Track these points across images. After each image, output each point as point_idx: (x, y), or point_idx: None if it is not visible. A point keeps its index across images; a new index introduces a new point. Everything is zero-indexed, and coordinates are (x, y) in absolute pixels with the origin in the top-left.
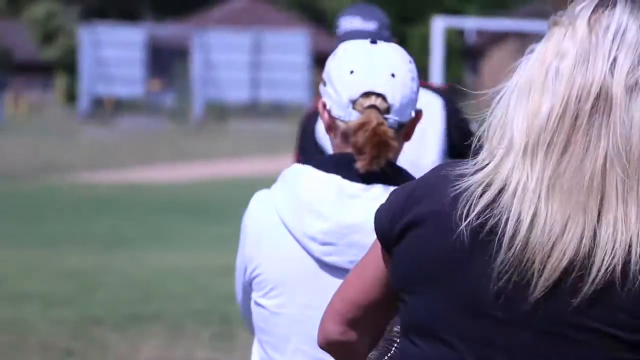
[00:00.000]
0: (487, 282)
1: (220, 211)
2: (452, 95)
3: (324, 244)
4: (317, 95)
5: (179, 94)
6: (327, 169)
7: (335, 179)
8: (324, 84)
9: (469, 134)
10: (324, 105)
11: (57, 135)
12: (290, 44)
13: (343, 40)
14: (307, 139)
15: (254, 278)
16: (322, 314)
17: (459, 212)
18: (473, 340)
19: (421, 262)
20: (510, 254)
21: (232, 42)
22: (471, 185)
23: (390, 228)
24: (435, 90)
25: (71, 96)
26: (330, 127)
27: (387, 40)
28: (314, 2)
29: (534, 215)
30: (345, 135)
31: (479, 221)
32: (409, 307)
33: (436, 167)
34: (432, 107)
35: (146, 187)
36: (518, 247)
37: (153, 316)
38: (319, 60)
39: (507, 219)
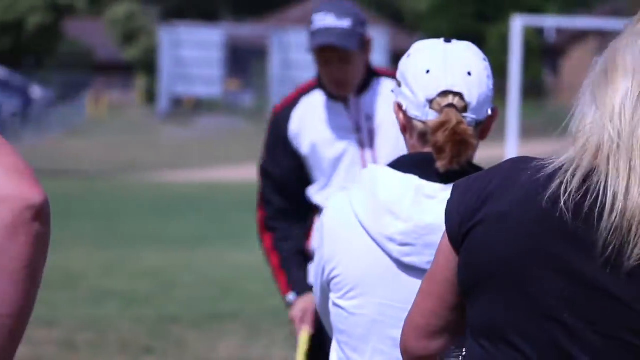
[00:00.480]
0: (574, 270)
1: None
2: None
3: (402, 244)
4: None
5: (257, 93)
6: (405, 169)
7: (412, 179)
8: (399, 85)
9: None
10: (399, 106)
11: (137, 135)
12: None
13: (315, 37)
14: (276, 138)
15: (332, 279)
16: (401, 315)
17: (555, 195)
18: (540, 341)
19: (492, 260)
20: (611, 224)
21: (305, 40)
22: (561, 167)
23: (461, 225)
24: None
25: (151, 96)
26: (406, 128)
27: (360, 37)
28: (392, 0)
29: (627, 184)
30: (423, 135)
31: (578, 199)
32: (477, 309)
33: (506, 161)
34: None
35: (224, 186)
36: (617, 216)
37: (230, 315)
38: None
39: (604, 191)
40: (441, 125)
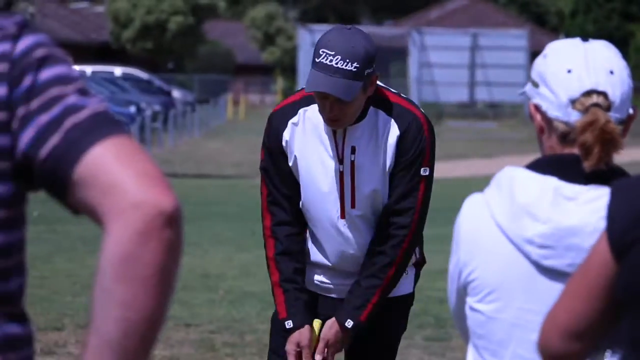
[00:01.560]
0: None
1: (435, 213)
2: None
3: (542, 247)
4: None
5: None
6: (543, 171)
7: (551, 181)
8: (536, 86)
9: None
10: (536, 107)
11: None
12: (509, 43)
13: (316, 75)
14: (274, 140)
15: (469, 283)
16: (540, 319)
17: None
18: None
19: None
20: None
21: (449, 42)
22: None
23: (626, 231)
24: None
25: None
26: (543, 129)
27: (364, 80)
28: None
29: None
30: (564, 136)
31: None
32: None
33: None
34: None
35: None
36: None
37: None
38: None
39: None
40: (589, 124)
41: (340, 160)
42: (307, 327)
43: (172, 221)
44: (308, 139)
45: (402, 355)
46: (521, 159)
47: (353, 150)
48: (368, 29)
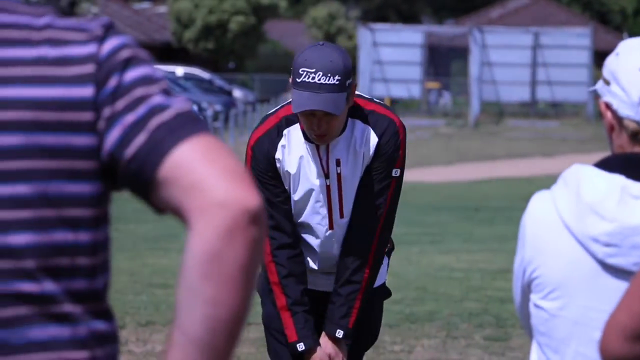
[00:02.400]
0: None
1: (495, 212)
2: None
3: (607, 245)
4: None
5: (456, 94)
6: (611, 169)
7: (618, 179)
8: (607, 84)
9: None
10: (607, 105)
11: None
12: (572, 42)
13: (301, 95)
14: (265, 164)
15: (534, 280)
16: (603, 317)
17: None
18: None
19: None
20: None
21: (511, 41)
22: None
23: None
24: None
25: None
26: (613, 127)
27: (347, 93)
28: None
29: None
30: (634, 135)
31: None
32: None
33: None
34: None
35: (422, 188)
36: None
37: (427, 317)
38: (601, 58)
39: None
40: None
41: (326, 174)
42: (321, 350)
43: (256, 219)
44: (294, 158)
45: (462, 355)
46: (583, 158)
47: (338, 163)
48: (429, 28)
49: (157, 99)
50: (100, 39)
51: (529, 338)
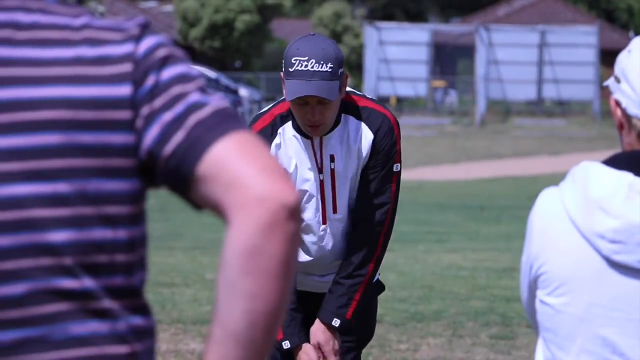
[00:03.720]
0: None
1: (501, 210)
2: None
3: (613, 242)
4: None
5: (462, 92)
6: (619, 166)
7: (626, 177)
8: (618, 81)
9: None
10: (617, 103)
11: None
12: (578, 40)
13: (295, 83)
14: None
15: (540, 276)
16: (608, 314)
17: None
18: None
19: None
20: None
21: (517, 39)
22: None
23: None
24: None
25: None
26: (622, 125)
27: (340, 80)
28: None
29: None
30: None
31: None
32: None
33: None
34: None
35: (427, 186)
36: None
37: (433, 316)
38: (607, 56)
39: None
40: None
41: (319, 169)
42: (309, 346)
43: (294, 214)
44: (288, 155)
45: (468, 354)
46: (590, 156)
47: (332, 159)
48: (435, 26)
49: (195, 97)
50: (137, 39)
51: (534, 336)
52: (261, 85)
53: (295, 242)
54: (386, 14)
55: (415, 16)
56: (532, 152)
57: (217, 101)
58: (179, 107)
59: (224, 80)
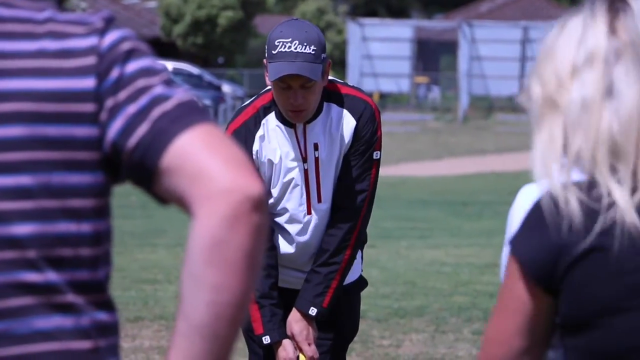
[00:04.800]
0: None
1: (484, 206)
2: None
3: None
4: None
5: (445, 88)
6: None
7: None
8: None
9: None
10: None
11: None
12: None
13: (279, 64)
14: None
15: None
16: None
17: None
18: None
19: (608, 289)
20: None
21: (500, 35)
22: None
23: (556, 260)
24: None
25: None
26: None
27: (323, 64)
28: None
29: None
30: None
31: None
32: (594, 340)
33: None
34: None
35: (410, 182)
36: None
37: (415, 311)
38: None
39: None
40: None
41: (304, 158)
42: (287, 341)
43: (259, 206)
44: (272, 146)
45: (451, 349)
46: None
47: (316, 147)
48: (418, 22)
49: (159, 90)
50: (101, 32)
51: None
52: (244, 81)
53: (260, 234)
54: (369, 10)
55: (398, 12)
56: (515, 148)
57: (181, 94)
58: (143, 100)
59: (207, 76)
